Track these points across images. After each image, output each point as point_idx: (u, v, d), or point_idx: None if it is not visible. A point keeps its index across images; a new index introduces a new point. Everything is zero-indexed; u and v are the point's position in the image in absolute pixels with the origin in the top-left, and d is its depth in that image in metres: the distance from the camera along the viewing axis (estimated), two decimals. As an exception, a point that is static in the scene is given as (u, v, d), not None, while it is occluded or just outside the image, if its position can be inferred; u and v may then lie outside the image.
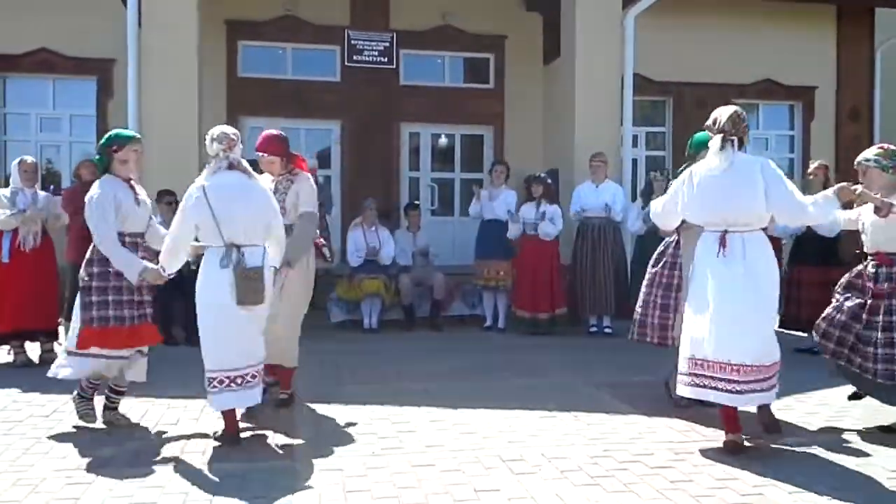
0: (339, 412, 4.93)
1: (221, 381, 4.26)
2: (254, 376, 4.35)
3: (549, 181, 8.45)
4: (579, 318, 8.40)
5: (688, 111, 11.59)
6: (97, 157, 4.63)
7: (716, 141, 4.20)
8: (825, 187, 5.46)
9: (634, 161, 10.85)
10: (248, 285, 4.21)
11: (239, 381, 4.28)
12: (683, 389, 4.25)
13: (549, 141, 10.29)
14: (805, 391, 5.48)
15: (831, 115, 12.25)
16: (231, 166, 4.35)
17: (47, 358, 6.51)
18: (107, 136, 4.63)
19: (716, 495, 3.56)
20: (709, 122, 4.31)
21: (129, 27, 8.37)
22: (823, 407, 5.17)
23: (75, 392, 4.68)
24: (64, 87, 10.94)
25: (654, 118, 12.10)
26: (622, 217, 8.32)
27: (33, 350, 6.71)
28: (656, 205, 4.73)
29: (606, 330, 8.22)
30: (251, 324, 4.33)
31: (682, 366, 4.24)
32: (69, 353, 4.52)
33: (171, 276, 4.56)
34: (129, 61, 8.45)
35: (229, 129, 4.44)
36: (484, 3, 11.08)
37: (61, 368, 4.54)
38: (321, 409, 5.04)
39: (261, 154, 5.07)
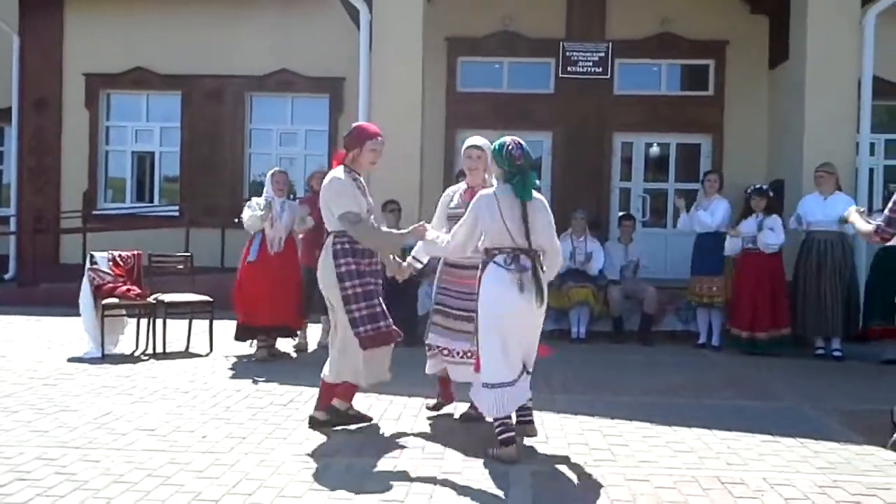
0: (550, 420, 4.99)
1: None
2: None
3: (772, 193, 7.99)
4: (803, 339, 7.87)
5: (937, 116, 10.52)
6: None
7: None
8: None
9: (871, 171, 10.01)
10: None
11: None
12: None
13: (774, 150, 9.76)
14: None
15: None
16: None
17: (276, 353, 7.15)
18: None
19: (968, 542, 3.23)
20: None
21: (362, 48, 8.98)
22: None
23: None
24: (300, 104, 12.00)
25: (893, 124, 11.09)
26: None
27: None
28: None
29: (835, 353, 7.62)
30: None
31: None
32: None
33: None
34: (361, 79, 9.06)
35: None
36: (705, 8, 10.74)
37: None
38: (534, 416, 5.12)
39: (379, 139, 4.85)
